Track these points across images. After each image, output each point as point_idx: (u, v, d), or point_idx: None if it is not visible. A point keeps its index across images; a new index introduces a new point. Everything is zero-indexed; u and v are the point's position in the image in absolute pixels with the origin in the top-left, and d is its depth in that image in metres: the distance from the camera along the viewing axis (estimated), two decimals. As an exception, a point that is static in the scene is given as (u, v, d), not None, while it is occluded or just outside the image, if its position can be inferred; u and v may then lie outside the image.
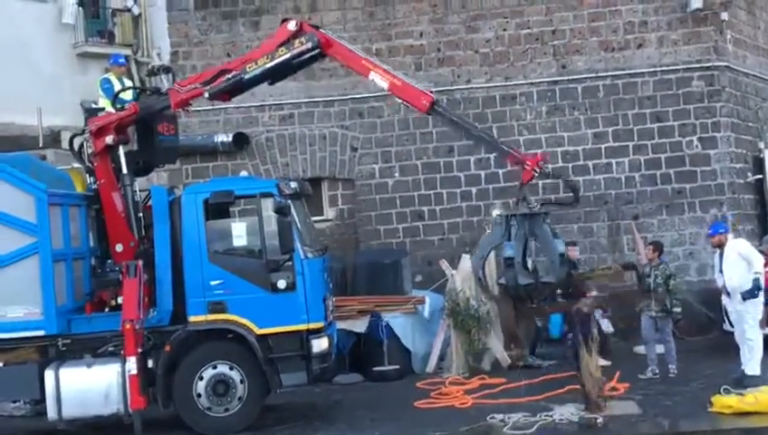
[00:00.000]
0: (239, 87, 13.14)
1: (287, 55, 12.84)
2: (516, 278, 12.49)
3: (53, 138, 21.65)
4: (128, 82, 14.90)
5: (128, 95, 13.72)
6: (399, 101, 13.48)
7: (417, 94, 12.85)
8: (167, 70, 18.20)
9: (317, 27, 13.25)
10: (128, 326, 11.60)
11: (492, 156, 18.05)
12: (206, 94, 13.00)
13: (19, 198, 11.96)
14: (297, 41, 12.85)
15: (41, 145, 20.95)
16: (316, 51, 12.91)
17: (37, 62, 22.98)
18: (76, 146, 13.49)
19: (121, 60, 15.26)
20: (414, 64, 18.81)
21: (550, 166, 14.10)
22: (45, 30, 23.66)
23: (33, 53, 23.05)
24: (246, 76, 12.88)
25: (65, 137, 21.44)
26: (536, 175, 12.51)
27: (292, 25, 13.01)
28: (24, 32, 23.11)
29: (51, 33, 23.75)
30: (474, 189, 18.61)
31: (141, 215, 12.94)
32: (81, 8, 24.11)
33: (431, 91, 13.16)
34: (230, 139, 18.82)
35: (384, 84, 12.83)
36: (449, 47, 18.87)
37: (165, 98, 13.18)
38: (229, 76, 12.91)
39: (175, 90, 13.16)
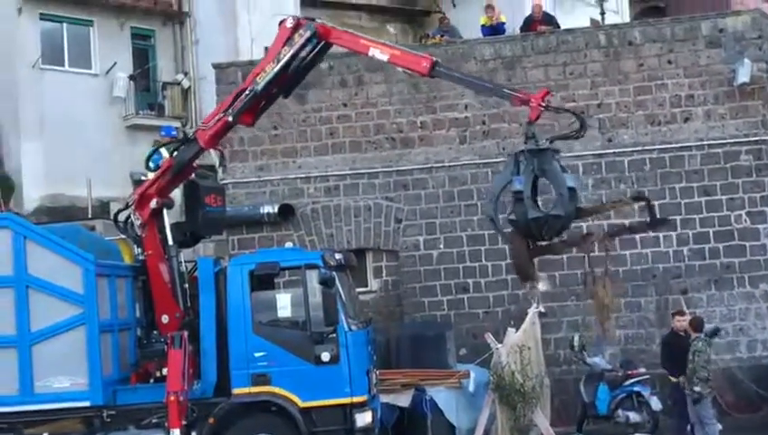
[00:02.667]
0: (257, 103, 13.11)
1: (291, 52, 12.80)
2: (526, 213, 12.00)
3: (102, 208, 21.98)
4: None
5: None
6: (401, 69, 13.29)
7: (417, 59, 12.69)
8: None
9: (313, 20, 13.20)
10: (172, 398, 11.59)
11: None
12: (230, 118, 12.98)
13: (67, 268, 12.10)
14: (296, 35, 12.82)
15: (90, 216, 21.28)
16: (317, 40, 12.83)
17: (88, 133, 23.50)
18: (122, 219, 13.59)
19: (173, 132, 15.45)
20: (459, 137, 18.89)
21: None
22: (97, 103, 24.24)
23: (85, 125, 23.59)
24: (259, 87, 12.87)
25: (114, 208, 21.77)
26: (543, 110, 12.11)
27: (289, 22, 12.97)
28: (76, 104, 23.69)
29: (102, 106, 24.32)
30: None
31: (187, 286, 13.01)
32: (132, 82, 24.65)
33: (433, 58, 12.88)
34: (276, 210, 18.92)
35: (384, 57, 12.74)
36: (494, 120, 18.92)
37: (194, 141, 13.23)
38: (246, 93, 12.95)
39: (201, 129, 13.27)
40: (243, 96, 12.95)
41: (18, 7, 23.22)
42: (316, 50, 13.07)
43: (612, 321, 13.21)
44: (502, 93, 13.08)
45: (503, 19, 21.14)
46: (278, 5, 23.69)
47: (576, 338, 16.74)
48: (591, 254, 13.45)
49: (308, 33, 12.78)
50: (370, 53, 12.80)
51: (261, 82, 12.87)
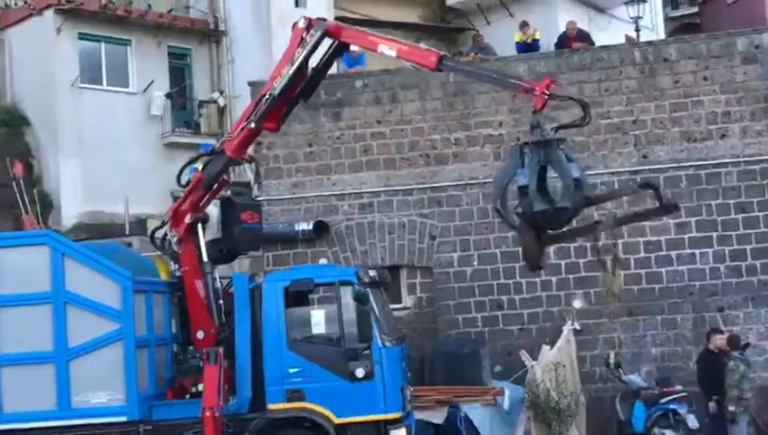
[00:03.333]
0: (278, 107, 13.14)
1: (304, 53, 12.84)
2: (532, 206, 11.81)
3: (140, 225, 22.15)
4: None
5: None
6: (410, 65, 13.20)
7: (425, 54, 12.68)
8: (250, 160, 18.56)
9: (324, 19, 13.25)
10: (208, 413, 11.65)
11: (571, 246, 17.94)
12: (253, 125, 13.05)
13: (105, 284, 12.21)
14: (308, 35, 12.85)
15: (127, 232, 21.45)
16: (330, 41, 12.86)
17: (125, 151, 23.73)
18: (159, 236, 13.70)
19: (209, 147, 15.53)
20: (493, 154, 18.87)
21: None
22: (134, 121, 24.49)
23: (122, 142, 23.82)
24: (276, 91, 12.91)
25: (151, 225, 21.96)
26: (547, 98, 11.89)
27: (301, 23, 13.01)
28: (114, 122, 23.94)
29: (139, 124, 24.56)
30: (554, 279, 18.41)
31: (222, 302, 13.08)
32: (168, 100, 24.90)
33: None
34: (310, 227, 18.99)
35: (392, 52, 12.67)
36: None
37: (222, 153, 13.29)
38: (266, 98, 12.99)
39: (227, 139, 13.36)
40: (262, 102, 13.03)
41: (57, 27, 23.56)
42: (332, 50, 13.11)
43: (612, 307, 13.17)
44: (507, 84, 12.97)
45: (537, 36, 21.14)
46: (313, 24, 23.81)
47: (612, 355, 16.66)
48: (601, 242, 13.21)
49: (319, 33, 12.84)
50: (379, 50, 12.75)
51: (278, 86, 12.94)
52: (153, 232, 13.85)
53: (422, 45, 13.22)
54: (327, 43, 13.21)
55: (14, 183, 21.07)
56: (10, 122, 23.95)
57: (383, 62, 20.25)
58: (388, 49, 12.67)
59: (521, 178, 11.80)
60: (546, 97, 11.80)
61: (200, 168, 14.30)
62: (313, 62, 13.42)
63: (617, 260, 12.88)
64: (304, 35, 12.91)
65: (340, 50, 13.32)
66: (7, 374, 12.07)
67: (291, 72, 12.88)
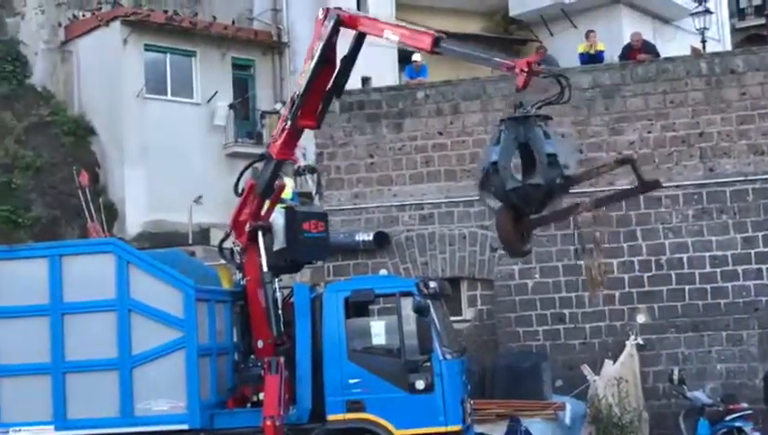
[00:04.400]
0: (312, 104, 13.00)
1: (321, 44, 12.73)
2: (504, 184, 11.57)
3: (203, 235, 22.38)
4: (287, 181, 14.91)
5: (287, 193, 13.96)
6: (411, 49, 12.97)
7: (420, 36, 12.45)
8: (312, 170, 18.69)
9: (340, 8, 13.08)
10: (268, 423, 11.68)
11: (635, 259, 17.74)
12: (288, 123, 13.01)
13: (168, 293, 12.32)
14: (323, 27, 12.80)
15: (190, 242, 21.68)
16: (348, 32, 12.74)
17: (189, 161, 23.99)
18: (226, 247, 13.76)
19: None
20: (555, 166, 18.71)
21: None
22: (198, 131, 24.76)
23: (186, 152, 24.09)
24: (302, 87, 12.86)
25: (214, 234, 22.18)
26: (526, 76, 11.54)
27: (320, 14, 12.93)
28: (178, 132, 24.22)
29: (203, 134, 24.82)
30: (617, 293, 18.16)
31: (281, 311, 13.11)
32: (231, 110, 25.15)
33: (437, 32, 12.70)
34: (371, 238, 19.00)
35: (396, 37, 12.54)
36: (592, 149, 18.71)
37: (268, 157, 13.28)
38: (296, 95, 12.97)
39: (271, 142, 13.36)
40: (295, 100, 13.03)
41: (124, 38, 23.92)
42: (357, 42, 12.95)
43: (601, 296, 12.78)
44: (492, 62, 12.63)
45: (601, 47, 20.95)
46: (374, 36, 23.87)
47: (675, 371, 16.44)
48: (582, 229, 12.83)
49: (332, 22, 12.75)
50: (384, 35, 12.59)
51: (304, 81, 12.90)
52: (221, 243, 13.92)
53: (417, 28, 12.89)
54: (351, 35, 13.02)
55: (80, 192, 21.41)
56: (77, 132, 24.35)
57: (445, 73, 20.28)
58: (391, 34, 12.55)
59: (492, 155, 11.61)
60: (525, 73, 11.54)
61: None
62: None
63: (598, 247, 12.52)
64: (322, 27, 12.87)
65: (361, 40, 13.08)
66: (72, 381, 12.22)
67: (312, 65, 12.80)
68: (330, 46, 12.80)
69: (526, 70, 11.51)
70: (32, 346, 12.31)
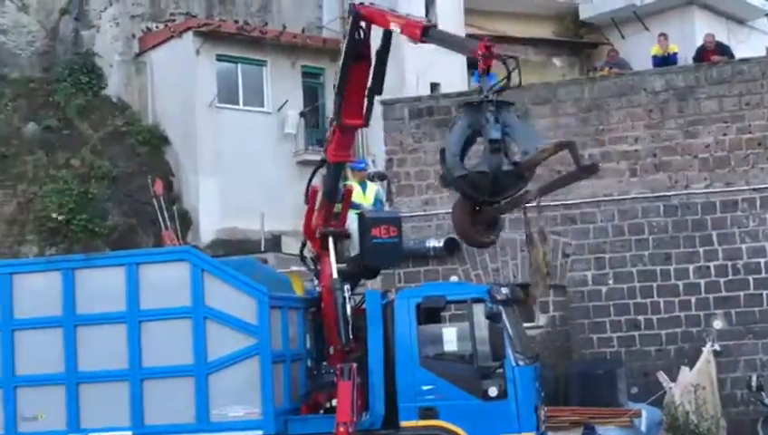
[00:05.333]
0: (352, 101, 12.90)
1: (346, 41, 12.77)
2: (452, 171, 11.53)
3: (274, 242, 22.56)
4: (370, 185, 14.74)
5: (366, 199, 13.97)
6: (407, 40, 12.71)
7: (412, 25, 12.28)
8: (381, 177, 18.69)
9: (361, 4, 13.02)
10: (341, 429, 11.72)
11: (711, 264, 17.48)
12: (334, 123, 13.03)
13: (241, 300, 12.39)
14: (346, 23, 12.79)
15: (263, 249, 21.87)
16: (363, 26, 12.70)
17: (261, 169, 24.22)
18: (307, 255, 13.81)
19: (362, 164, 15.28)
20: (629, 170, 18.52)
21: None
22: (269, 139, 24.99)
23: (257, 160, 24.33)
24: (337, 87, 12.84)
25: (285, 241, 22.37)
26: (483, 57, 11.36)
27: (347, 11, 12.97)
28: (250, 141, 24.48)
29: (274, 143, 25.05)
30: (693, 299, 17.91)
31: (350, 317, 13.11)
32: (302, 118, 25.35)
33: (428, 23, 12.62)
34: (441, 244, 18.99)
35: (398, 29, 12.45)
36: (666, 152, 18.48)
37: (325, 161, 13.32)
38: (335, 94, 12.98)
39: (327, 146, 13.36)
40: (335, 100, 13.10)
41: (196, 49, 24.26)
42: (386, 40, 12.84)
43: (543, 287, 12.57)
44: (463, 49, 12.66)
45: (674, 49, 20.68)
46: (444, 41, 23.84)
47: (754, 378, 16.17)
48: (529, 215, 12.43)
49: (351, 17, 12.78)
50: (391, 27, 12.55)
51: (337, 79, 12.92)
52: (301, 250, 13.95)
53: (412, 15, 12.85)
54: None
55: (155, 201, 21.76)
56: (152, 142, 24.75)
57: (514, 78, 20.14)
58: (395, 26, 12.52)
59: (449, 139, 11.56)
60: (480, 57, 11.40)
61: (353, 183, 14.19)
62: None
63: (542, 235, 12.42)
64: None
65: (388, 34, 12.93)
66: (149, 387, 12.38)
67: (341, 62, 12.82)
68: (360, 42, 12.77)
69: (481, 53, 11.42)
70: (109, 353, 12.47)
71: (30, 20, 25.94)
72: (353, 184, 14.34)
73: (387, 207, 14.12)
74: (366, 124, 13.48)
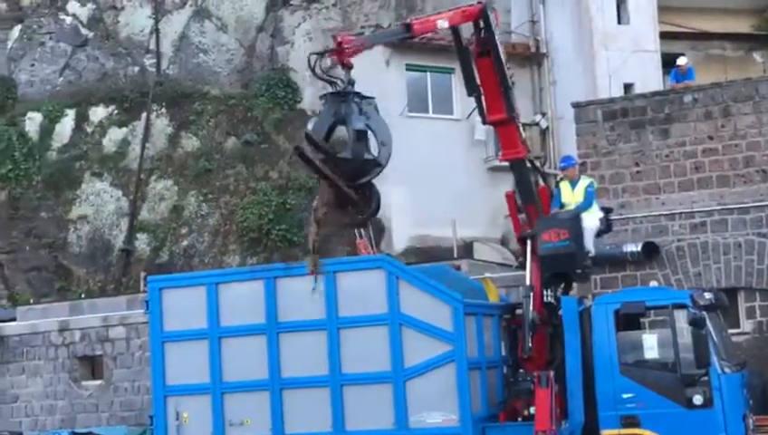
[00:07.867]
0: (488, 99, 13.51)
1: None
2: (315, 154, 11.90)
3: (466, 249, 22.58)
4: (582, 180, 14.36)
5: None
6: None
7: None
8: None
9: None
10: (541, 437, 11.63)
11: None
12: (504, 116, 13.39)
13: (436, 307, 12.45)
14: None
15: (455, 256, 21.92)
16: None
17: (451, 176, 24.32)
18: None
19: (572, 161, 14.80)
20: None
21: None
22: (458, 146, 25.07)
23: (448, 168, 24.45)
24: (468, 90, 13.78)
25: (477, 248, 22.37)
26: (341, 51, 12.68)
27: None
28: (439, 149, 24.64)
29: (463, 150, 25.11)
30: None
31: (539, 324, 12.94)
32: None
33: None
34: (639, 248, 18.54)
35: (445, 24, 13.16)
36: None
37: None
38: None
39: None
40: None
41: (386, 59, 24.63)
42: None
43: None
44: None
45: None
46: (636, 41, 23.31)
47: None
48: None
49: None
50: (438, 26, 13.23)
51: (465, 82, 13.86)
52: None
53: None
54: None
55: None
56: (346, 153, 25.28)
57: (713, 75, 19.50)
58: (441, 22, 13.07)
59: (308, 125, 11.66)
60: (327, 51, 12.76)
61: (564, 183, 14.02)
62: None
63: (316, 214, 12.90)
64: None
65: (456, 32, 13.67)
66: (349, 393, 12.61)
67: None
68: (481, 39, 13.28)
69: (332, 47, 12.65)
70: (310, 359, 12.77)
71: (228, 39, 27.07)
72: (562, 183, 14.02)
73: (596, 203, 13.76)
74: (507, 117, 13.49)
